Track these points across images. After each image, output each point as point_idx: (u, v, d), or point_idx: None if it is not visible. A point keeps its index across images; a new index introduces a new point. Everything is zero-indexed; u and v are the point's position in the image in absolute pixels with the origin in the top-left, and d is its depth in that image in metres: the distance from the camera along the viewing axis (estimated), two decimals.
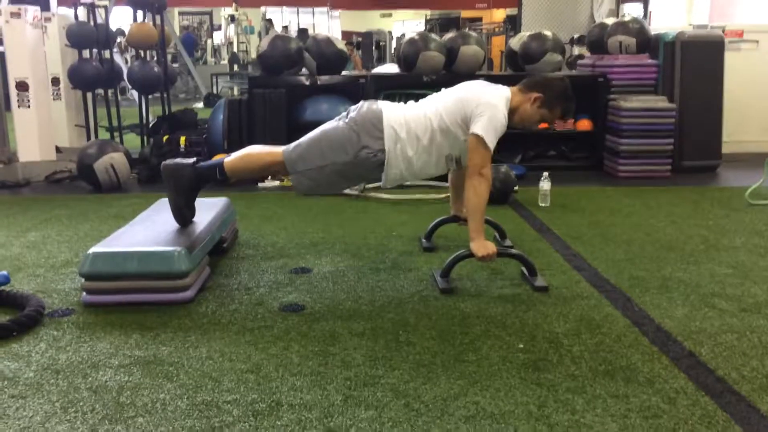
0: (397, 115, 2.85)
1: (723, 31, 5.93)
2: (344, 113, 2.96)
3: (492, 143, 2.76)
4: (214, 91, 12.83)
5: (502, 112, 2.82)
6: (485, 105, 2.79)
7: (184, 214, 2.98)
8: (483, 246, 2.82)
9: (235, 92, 12.50)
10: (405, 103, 3.03)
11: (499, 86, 2.94)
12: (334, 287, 2.90)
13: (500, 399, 1.95)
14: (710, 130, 5.59)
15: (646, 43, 5.66)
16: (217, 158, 4.89)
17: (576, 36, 7.35)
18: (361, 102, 2.95)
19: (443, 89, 3.01)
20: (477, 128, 2.75)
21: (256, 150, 3.03)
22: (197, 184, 2.97)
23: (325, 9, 17.83)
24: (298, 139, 2.99)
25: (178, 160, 2.99)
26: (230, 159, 2.96)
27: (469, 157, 2.80)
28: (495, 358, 2.20)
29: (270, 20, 15.68)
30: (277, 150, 2.93)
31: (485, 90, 2.90)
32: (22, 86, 5.35)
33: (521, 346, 2.30)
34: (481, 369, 2.13)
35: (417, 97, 2.99)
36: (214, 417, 1.86)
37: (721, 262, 3.19)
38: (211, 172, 2.95)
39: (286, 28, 15.89)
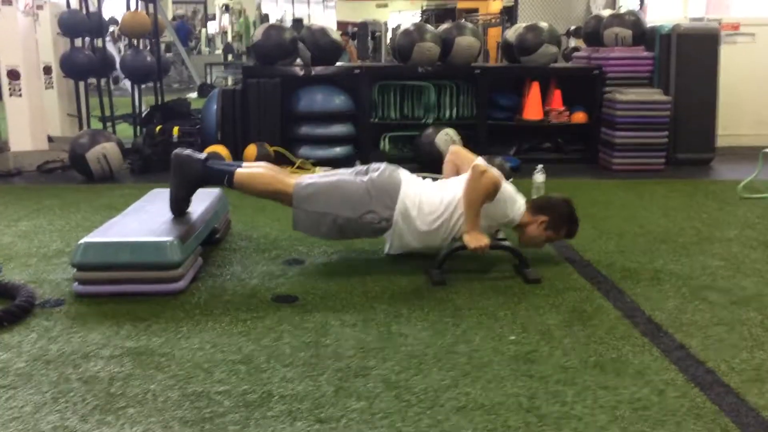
0: (414, 194, 2.90)
1: (719, 24, 5.93)
2: (364, 168, 3.01)
3: (497, 176, 2.81)
4: (208, 81, 12.76)
5: (518, 204, 2.95)
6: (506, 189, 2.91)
7: (180, 206, 2.97)
8: (476, 238, 2.82)
9: (229, 82, 12.45)
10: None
11: (520, 197, 3.01)
12: (326, 279, 2.90)
13: (491, 390, 1.95)
14: (705, 123, 5.60)
15: (642, 35, 5.66)
16: (213, 150, 4.90)
17: (572, 28, 7.35)
18: (384, 165, 3.00)
19: (463, 175, 2.98)
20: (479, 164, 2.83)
21: (269, 174, 3.00)
22: (202, 182, 2.97)
23: None
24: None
25: (190, 152, 2.97)
26: (242, 172, 2.95)
27: (473, 165, 2.83)
28: (486, 350, 2.21)
29: (266, 15, 15.60)
30: (289, 180, 2.96)
31: (507, 190, 2.96)
32: (14, 75, 5.31)
33: (513, 337, 2.31)
34: (472, 360, 2.14)
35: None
36: (205, 408, 1.86)
37: (713, 255, 3.20)
38: (219, 176, 2.95)
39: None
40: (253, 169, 3.02)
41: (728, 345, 2.25)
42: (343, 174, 3.02)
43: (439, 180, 3.10)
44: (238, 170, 2.95)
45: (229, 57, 14.98)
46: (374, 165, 3.01)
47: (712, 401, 1.90)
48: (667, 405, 1.88)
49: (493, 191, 2.81)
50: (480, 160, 2.90)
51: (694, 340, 2.29)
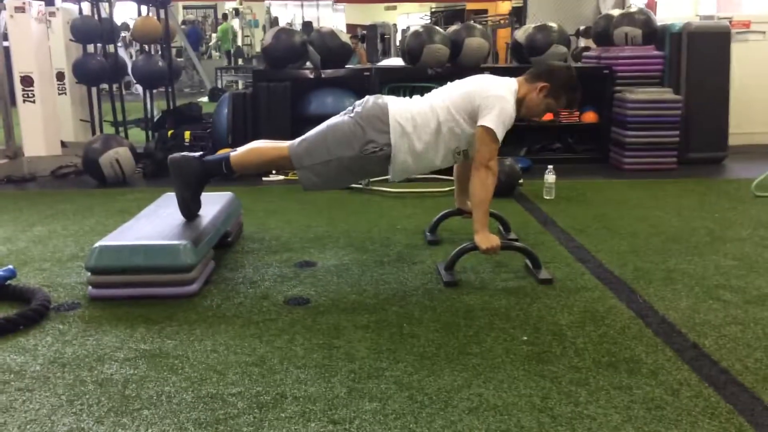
0: (403, 109, 2.85)
1: (730, 22, 5.89)
2: (350, 108, 2.96)
3: (500, 136, 2.76)
4: (219, 85, 12.83)
5: (510, 105, 2.81)
6: (493, 98, 2.78)
7: (190, 208, 2.99)
8: (487, 239, 2.82)
9: (240, 86, 12.50)
10: (410, 96, 3.03)
11: (506, 78, 2.93)
12: (338, 280, 2.90)
13: (504, 391, 1.95)
14: (717, 121, 5.57)
15: (652, 34, 5.63)
16: (223, 152, 4.92)
17: (582, 28, 7.31)
18: (367, 97, 2.95)
19: (450, 82, 3.00)
20: (486, 121, 2.75)
21: (261, 144, 3.02)
22: (204, 178, 2.98)
23: (329, 2, 17.80)
24: (302, 132, 2.99)
25: (185, 153, 2.99)
26: (236, 153, 2.96)
27: (477, 149, 2.80)
28: (499, 351, 2.21)
29: (276, 18, 15.66)
30: (283, 144, 2.94)
31: (493, 83, 2.89)
32: (27, 81, 5.36)
33: (525, 338, 2.30)
34: (484, 361, 2.14)
35: (422, 91, 3.00)
36: (219, 409, 1.87)
37: (726, 254, 3.18)
38: (217, 166, 2.96)
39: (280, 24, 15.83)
40: (245, 147, 3.01)
41: (742, 344, 2.24)
42: (331, 119, 2.96)
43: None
44: (232, 153, 2.96)
45: (240, 61, 15.05)
46: (358, 101, 2.95)
47: (727, 401, 1.89)
48: (681, 405, 1.87)
49: (495, 181, 2.80)
50: (484, 158, 2.83)
51: (708, 339, 2.28)
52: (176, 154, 2.98)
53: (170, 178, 2.97)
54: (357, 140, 2.81)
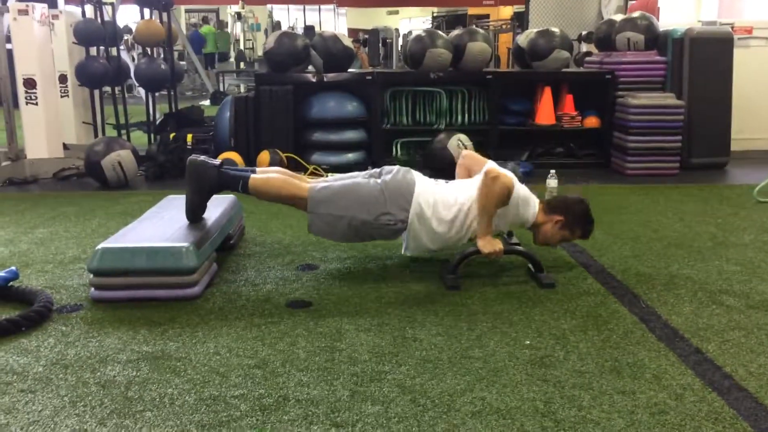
0: (428, 194, 2.90)
1: (732, 28, 5.90)
2: (377, 170, 3.02)
3: (510, 180, 2.81)
4: (221, 89, 12.84)
5: (532, 204, 2.94)
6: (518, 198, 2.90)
7: (196, 212, 2.99)
8: (490, 243, 2.82)
9: (242, 89, 12.52)
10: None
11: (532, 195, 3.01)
12: (340, 284, 2.90)
13: (507, 395, 1.95)
14: (719, 127, 5.57)
15: (655, 39, 5.65)
16: (227, 156, 4.92)
17: (584, 33, 7.32)
18: (397, 167, 3.01)
19: (477, 176, 3.00)
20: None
21: (283, 179, 3.00)
22: (217, 189, 2.98)
23: (331, 6, 17.83)
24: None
25: (205, 158, 2.97)
26: (257, 178, 2.95)
27: (486, 170, 2.84)
28: (501, 354, 2.21)
29: (278, 22, 15.71)
30: (304, 185, 2.96)
31: (523, 189, 2.96)
32: (30, 83, 5.37)
33: (528, 342, 2.30)
34: (487, 365, 2.13)
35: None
36: (221, 411, 1.87)
37: (728, 259, 3.18)
38: (233, 182, 2.95)
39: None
40: (267, 174, 3.02)
41: (746, 349, 2.24)
42: (357, 176, 3.02)
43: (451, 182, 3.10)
44: (253, 176, 2.96)
45: (241, 64, 15.07)
46: (387, 168, 3.02)
47: (730, 405, 1.88)
48: (684, 409, 1.87)
49: (507, 196, 2.81)
50: (492, 164, 2.90)
51: (711, 344, 2.28)
52: (196, 157, 2.96)
53: (185, 178, 2.95)
54: (376, 208, 2.86)
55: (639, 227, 3.77)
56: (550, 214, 2.99)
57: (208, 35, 16.26)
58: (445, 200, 2.91)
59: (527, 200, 2.96)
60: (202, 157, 2.98)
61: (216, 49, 16.20)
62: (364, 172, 3.08)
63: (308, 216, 2.93)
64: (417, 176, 2.98)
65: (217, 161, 3.00)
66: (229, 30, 17.83)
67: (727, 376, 2.06)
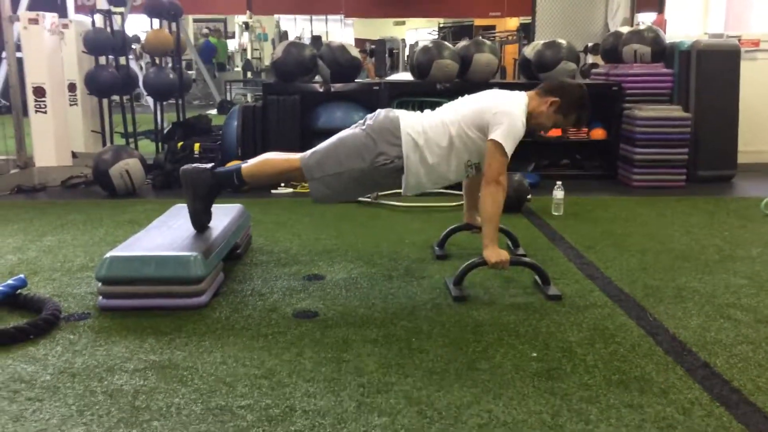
0: (415, 123, 2.87)
1: (739, 41, 5.90)
2: (361, 121, 2.98)
3: (510, 150, 2.78)
4: (228, 98, 12.90)
5: (519, 120, 2.83)
6: (503, 113, 2.80)
7: (201, 219, 3.00)
8: (496, 254, 2.82)
9: (249, 99, 12.57)
10: (420, 111, 3.05)
11: (516, 92, 2.95)
12: (347, 294, 2.90)
13: (513, 408, 1.94)
14: (726, 139, 5.56)
15: (661, 51, 5.65)
16: (233, 164, 4.95)
17: (590, 44, 7.34)
18: (378, 110, 2.98)
19: (460, 97, 3.03)
20: (495, 135, 2.77)
21: (273, 156, 3.05)
22: (215, 190, 2.99)
23: (338, 17, 17.93)
24: (311, 146, 3.01)
25: (196, 165, 3.01)
26: (248, 165, 2.98)
27: (487, 164, 2.81)
28: (508, 367, 2.20)
29: (285, 32, 15.79)
30: (295, 157, 2.96)
31: (503, 98, 2.91)
32: (39, 92, 5.41)
33: (534, 354, 2.29)
34: (494, 377, 2.13)
35: (432, 105, 3.02)
36: (228, 422, 1.87)
37: (736, 273, 3.17)
38: (228, 178, 2.97)
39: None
40: (257, 159, 3.03)
41: (754, 364, 2.23)
42: (342, 132, 2.98)
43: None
44: (244, 165, 2.98)
45: (249, 74, 15.14)
46: (369, 115, 2.96)
47: (739, 420, 1.87)
48: (693, 424, 1.86)
49: (505, 196, 2.81)
50: (494, 173, 2.82)
51: (719, 358, 2.27)
52: (187, 166, 3.00)
53: (182, 189, 2.99)
54: (368, 152, 2.82)
55: (646, 240, 3.76)
56: (544, 96, 2.93)
57: (219, 44, 16.36)
58: (432, 123, 2.86)
59: (520, 116, 2.83)
60: (193, 165, 3.01)
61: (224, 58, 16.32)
62: (349, 127, 3.01)
63: (309, 185, 2.91)
64: (400, 111, 2.95)
65: (209, 165, 3.01)
66: (235, 39, 17.92)
67: (736, 390, 2.05)
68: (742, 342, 2.40)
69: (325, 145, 2.94)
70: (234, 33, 18.59)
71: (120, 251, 2.78)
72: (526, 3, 8.78)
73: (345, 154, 2.85)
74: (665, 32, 6.60)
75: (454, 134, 2.85)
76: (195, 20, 18.88)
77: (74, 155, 5.80)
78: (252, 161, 3.01)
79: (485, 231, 2.86)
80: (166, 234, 3.02)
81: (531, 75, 5.99)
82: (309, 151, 2.95)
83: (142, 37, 6.67)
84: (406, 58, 14.28)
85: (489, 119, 2.80)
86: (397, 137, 2.83)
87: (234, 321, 2.60)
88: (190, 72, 12.45)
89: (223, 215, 3.25)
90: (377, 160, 2.82)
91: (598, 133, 5.71)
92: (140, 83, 6.44)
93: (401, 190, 2.94)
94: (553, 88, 2.97)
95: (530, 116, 2.92)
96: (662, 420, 1.88)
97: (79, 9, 7.04)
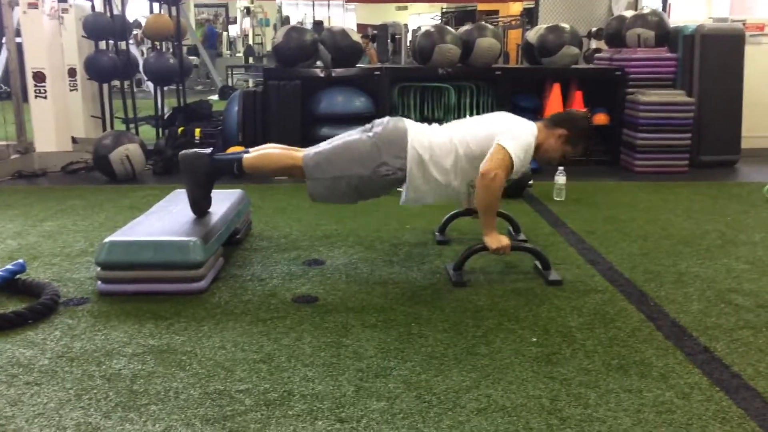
0: (423, 138, 2.86)
1: (743, 25, 5.85)
2: (368, 126, 2.97)
3: (515, 158, 2.75)
4: (229, 84, 12.85)
5: (530, 145, 2.84)
6: (515, 135, 2.81)
7: (200, 204, 2.99)
8: (497, 239, 2.81)
9: (250, 84, 12.52)
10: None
11: (528, 122, 2.95)
12: (347, 279, 2.90)
13: (512, 392, 1.94)
14: (729, 125, 5.53)
15: (665, 36, 5.60)
16: (235, 150, 4.93)
17: (593, 29, 7.28)
18: (387, 118, 2.97)
19: (468, 117, 3.01)
20: (503, 141, 2.76)
21: (276, 151, 3.01)
22: (214, 176, 2.98)
23: (340, 1, 17.82)
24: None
25: (196, 150, 2.99)
26: (250, 156, 2.96)
27: (487, 158, 2.77)
28: (508, 352, 2.19)
29: (287, 17, 15.70)
30: (298, 154, 2.94)
31: (516, 122, 2.92)
32: (39, 77, 5.39)
33: (534, 339, 2.29)
34: (493, 362, 2.12)
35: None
36: (226, 406, 1.86)
37: (738, 258, 3.15)
38: (228, 165, 2.96)
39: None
40: (260, 150, 3.02)
41: (754, 349, 2.22)
42: (349, 135, 2.96)
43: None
44: (246, 155, 2.96)
45: (250, 59, 15.08)
46: (377, 120, 2.96)
47: (738, 405, 1.87)
48: (692, 408, 1.85)
49: (501, 191, 2.79)
50: (491, 167, 2.80)
51: (719, 343, 2.26)
52: (187, 151, 2.98)
53: (180, 174, 2.97)
54: (371, 161, 2.82)
55: (648, 225, 3.74)
56: (552, 128, 2.93)
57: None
58: (439, 141, 2.85)
59: (529, 146, 2.84)
60: (193, 150, 2.99)
61: None
62: (355, 130, 3.00)
63: (307, 183, 2.89)
64: (408, 123, 2.93)
65: (209, 150, 3.00)
66: (237, 24, 17.83)
67: (735, 375, 2.04)
68: (743, 327, 2.39)
69: (329, 147, 2.92)
70: (236, 18, 18.51)
71: (119, 236, 2.77)
72: None
73: (348, 159, 2.84)
74: (669, 16, 6.55)
75: (461, 153, 2.84)
76: (196, 5, 18.78)
77: (74, 140, 5.78)
78: (254, 153, 2.98)
79: (483, 221, 2.84)
80: (165, 219, 3.01)
81: (534, 60, 5.94)
82: (312, 150, 2.93)
83: (143, 22, 6.64)
84: (408, 44, 14.20)
85: (499, 140, 2.80)
86: (403, 150, 2.82)
87: (233, 306, 2.59)
88: (191, 57, 12.39)
89: (223, 200, 3.24)
90: (379, 170, 2.81)
91: (601, 119, 5.67)
92: (140, 68, 6.41)
93: (400, 200, 2.96)
94: (561, 120, 2.98)
95: (539, 147, 2.93)
96: (661, 404, 1.87)
97: None
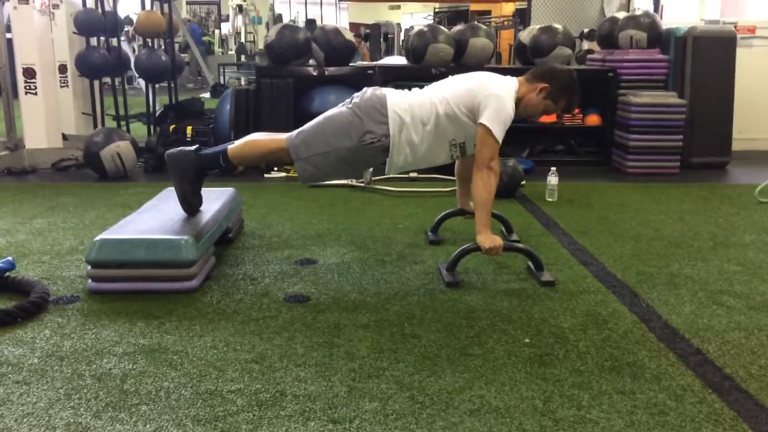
0: (402, 101, 2.83)
1: (735, 27, 5.88)
2: (348, 100, 2.94)
3: (500, 135, 2.75)
4: (221, 81, 12.80)
5: (509, 104, 2.80)
6: (493, 96, 2.77)
7: (190, 203, 2.97)
8: (490, 239, 2.81)
9: (242, 82, 12.47)
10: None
11: (507, 77, 2.92)
12: (339, 279, 2.89)
13: (505, 393, 1.93)
14: (721, 126, 5.55)
15: (657, 37, 5.61)
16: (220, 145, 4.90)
17: (586, 30, 7.29)
18: (365, 88, 2.93)
19: (450, 76, 3.00)
20: (485, 119, 2.74)
21: (259, 137, 3.01)
22: (202, 172, 2.95)
23: (333, 0, 17.79)
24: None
25: (182, 147, 2.97)
26: (234, 146, 2.94)
27: (477, 149, 2.78)
28: (500, 352, 2.19)
29: (279, 15, 15.66)
30: (281, 137, 2.92)
31: (493, 80, 2.88)
32: (30, 73, 5.34)
33: (527, 340, 2.28)
34: (486, 363, 2.12)
35: None
36: (218, 406, 1.85)
37: (729, 260, 3.17)
38: (214, 159, 2.93)
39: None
40: (243, 139, 2.99)
41: (746, 351, 2.22)
42: (329, 111, 2.94)
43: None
44: (230, 146, 2.94)
45: (242, 57, 15.02)
46: (356, 93, 2.93)
47: (731, 407, 1.87)
48: (684, 410, 1.85)
49: (498, 179, 2.79)
50: (485, 159, 2.79)
51: (712, 345, 2.26)
52: (172, 149, 2.96)
53: (168, 173, 2.95)
54: (355, 131, 2.78)
55: (639, 226, 3.75)
56: (533, 82, 2.90)
57: None
58: (419, 101, 2.83)
59: (509, 102, 2.80)
60: (179, 148, 2.97)
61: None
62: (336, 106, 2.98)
63: (295, 166, 2.87)
64: (387, 89, 2.91)
65: (194, 146, 2.98)
66: (229, 22, 17.75)
67: (728, 377, 2.04)
68: (735, 329, 2.39)
69: (311, 124, 2.90)
70: (228, 16, 18.44)
71: (110, 234, 2.75)
72: None
73: (332, 133, 2.81)
74: (661, 18, 6.57)
75: (442, 113, 2.81)
76: (188, 2, 18.70)
77: (65, 137, 5.74)
78: (238, 142, 2.97)
79: (478, 217, 2.84)
80: (157, 217, 2.99)
81: (526, 60, 5.94)
82: (295, 131, 2.91)
83: (134, 18, 6.59)
84: (401, 43, 14.18)
85: (480, 100, 2.78)
86: (383, 115, 2.79)
87: (225, 305, 2.58)
88: (183, 55, 12.32)
89: (214, 199, 3.22)
90: (364, 139, 2.78)
91: (593, 120, 5.69)
92: (132, 65, 6.37)
93: (385, 169, 2.91)
94: (542, 73, 2.93)
95: (520, 102, 2.89)
96: (654, 406, 1.87)
97: None
